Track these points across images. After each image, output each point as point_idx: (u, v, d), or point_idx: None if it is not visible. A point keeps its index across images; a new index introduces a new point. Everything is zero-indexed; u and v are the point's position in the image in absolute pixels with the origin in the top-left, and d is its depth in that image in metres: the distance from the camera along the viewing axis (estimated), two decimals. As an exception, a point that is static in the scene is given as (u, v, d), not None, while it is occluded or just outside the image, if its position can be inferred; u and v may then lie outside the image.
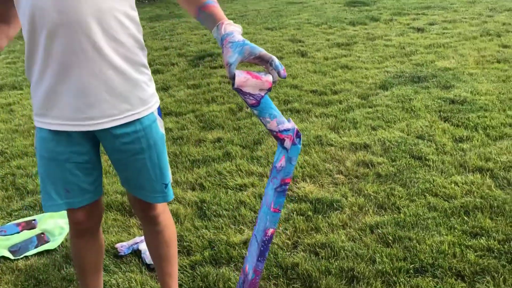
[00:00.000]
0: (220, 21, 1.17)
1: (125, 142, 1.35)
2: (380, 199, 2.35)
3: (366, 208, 2.29)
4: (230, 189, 2.53)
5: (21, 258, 2.12)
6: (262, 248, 1.23)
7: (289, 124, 1.14)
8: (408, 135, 3.01)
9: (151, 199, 1.47)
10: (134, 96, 1.31)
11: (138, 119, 1.34)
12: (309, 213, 2.27)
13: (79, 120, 1.29)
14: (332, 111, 3.48)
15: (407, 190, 2.41)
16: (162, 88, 4.26)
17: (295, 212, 2.28)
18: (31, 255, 2.13)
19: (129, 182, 1.46)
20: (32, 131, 3.52)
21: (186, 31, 6.58)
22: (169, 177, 1.48)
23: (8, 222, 2.39)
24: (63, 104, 1.27)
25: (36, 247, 2.18)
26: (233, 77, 1.08)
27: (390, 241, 2.03)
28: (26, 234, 2.25)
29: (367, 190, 2.43)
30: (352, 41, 5.40)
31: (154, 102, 1.39)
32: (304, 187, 2.49)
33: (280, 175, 1.17)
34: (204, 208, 2.37)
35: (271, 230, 1.22)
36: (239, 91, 1.10)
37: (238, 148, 2.98)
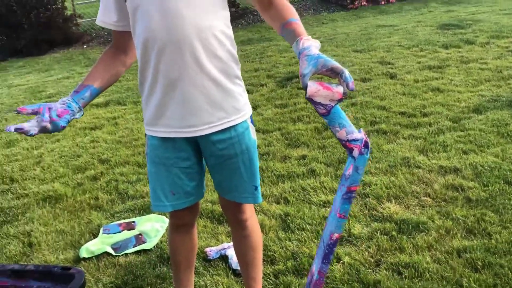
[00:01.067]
0: (299, 37, 1.28)
1: (221, 147, 1.49)
2: (470, 223, 2.28)
3: (454, 232, 2.23)
4: (314, 205, 2.59)
5: (121, 255, 2.33)
6: (326, 251, 1.28)
7: (358, 134, 1.20)
8: (503, 160, 2.87)
9: (242, 199, 1.59)
10: (229, 105, 1.45)
11: (232, 126, 1.48)
12: (393, 233, 2.26)
13: (183, 128, 1.45)
14: (421, 134, 3.42)
15: (499, 216, 2.31)
16: (252, 107, 4.43)
17: (378, 231, 2.28)
18: (130, 253, 2.34)
19: (222, 185, 1.60)
20: (133, 143, 3.84)
21: (275, 54, 6.79)
22: (259, 181, 1.60)
23: (111, 222, 2.64)
24: (170, 114, 1.44)
25: (134, 246, 2.38)
26: (306, 87, 1.17)
27: (479, 267, 1.96)
28: (126, 234, 2.48)
29: (455, 214, 2.36)
30: (444, 64, 5.25)
31: (247, 110, 1.52)
32: (389, 208, 2.48)
33: (347, 182, 1.22)
34: (288, 221, 2.45)
35: (336, 235, 1.26)
36: (311, 100, 1.18)
37: (323, 166, 3.04)
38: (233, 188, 1.58)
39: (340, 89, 1.16)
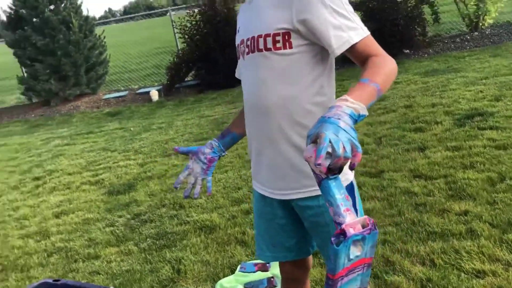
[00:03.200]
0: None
1: (310, 214, 1.44)
2: None
3: None
4: (464, 273, 2.25)
5: (251, 296, 2.39)
6: None
7: (344, 219, 0.97)
8: None
9: None
10: None
11: (321, 195, 1.39)
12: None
13: (273, 189, 1.47)
14: None
15: None
16: (419, 148, 4.12)
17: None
18: (258, 296, 2.39)
19: (320, 249, 1.54)
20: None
21: (460, 87, 6.19)
22: None
23: (250, 260, 2.73)
24: (262, 173, 1.49)
25: (264, 289, 2.42)
26: None
27: None
28: (260, 275, 2.53)
29: None
30: None
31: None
32: None
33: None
34: (429, 288, 2.18)
35: None
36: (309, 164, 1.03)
37: (486, 226, 2.62)
38: (328, 257, 1.49)
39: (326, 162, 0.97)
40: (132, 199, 4.09)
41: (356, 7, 8.73)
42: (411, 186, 3.35)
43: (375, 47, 1.28)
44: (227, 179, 4.17)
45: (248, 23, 1.41)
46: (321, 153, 0.95)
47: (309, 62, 1.33)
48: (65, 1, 10.27)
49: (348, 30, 1.25)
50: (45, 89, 9.95)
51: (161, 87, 9.77)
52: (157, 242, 3.18)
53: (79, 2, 10.56)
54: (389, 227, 2.81)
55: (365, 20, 8.52)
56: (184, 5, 11.06)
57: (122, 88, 11.07)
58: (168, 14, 11.50)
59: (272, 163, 1.42)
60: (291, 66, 1.32)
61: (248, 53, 1.40)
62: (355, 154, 0.98)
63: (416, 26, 8.81)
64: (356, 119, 1.06)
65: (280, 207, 1.51)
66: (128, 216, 3.75)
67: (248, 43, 1.38)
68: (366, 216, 1.02)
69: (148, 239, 3.26)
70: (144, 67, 13.30)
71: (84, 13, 10.64)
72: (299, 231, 1.55)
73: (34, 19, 9.83)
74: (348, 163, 0.99)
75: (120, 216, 3.78)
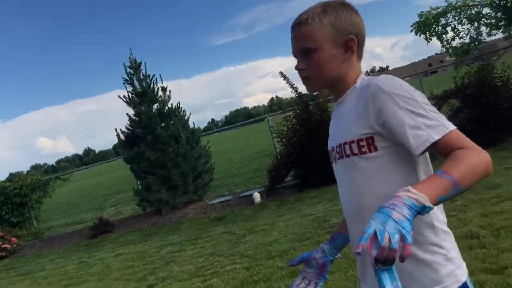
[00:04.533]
0: (412, 184, 1.11)
1: None
2: None
3: None
4: None
5: None
6: None
7: None
8: None
9: None
10: (424, 276, 1.33)
11: None
12: None
13: None
14: None
15: None
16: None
17: None
18: None
19: None
20: None
21: None
22: None
23: None
24: (367, 274, 1.45)
25: None
26: None
27: None
28: None
29: None
30: None
31: (451, 282, 1.33)
32: None
33: None
34: None
35: None
36: None
37: None
38: None
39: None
40: (239, 305, 4.10)
41: (452, 96, 8.58)
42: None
43: (461, 141, 1.24)
44: (334, 281, 4.05)
45: (336, 131, 1.51)
46: (360, 243, 0.97)
47: (398, 161, 1.35)
48: (174, 118, 11.39)
49: (427, 128, 1.24)
50: (156, 199, 10.73)
51: (262, 189, 10.07)
52: None
53: (186, 118, 11.63)
54: (521, 332, 2.50)
55: (463, 108, 8.31)
56: (280, 111, 11.66)
57: (226, 193, 11.56)
58: (266, 120, 12.14)
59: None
60: (380, 167, 1.35)
61: (338, 159, 1.47)
62: (404, 246, 0.97)
63: (522, 107, 8.37)
64: (419, 211, 1.05)
65: None
66: (237, 322, 3.75)
67: (337, 149, 1.47)
68: None
69: None
70: (245, 171, 13.89)
71: (191, 126, 11.66)
72: None
73: (148, 136, 10.95)
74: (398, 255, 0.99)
75: (229, 323, 3.78)
